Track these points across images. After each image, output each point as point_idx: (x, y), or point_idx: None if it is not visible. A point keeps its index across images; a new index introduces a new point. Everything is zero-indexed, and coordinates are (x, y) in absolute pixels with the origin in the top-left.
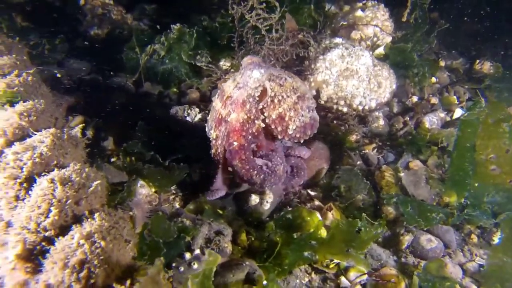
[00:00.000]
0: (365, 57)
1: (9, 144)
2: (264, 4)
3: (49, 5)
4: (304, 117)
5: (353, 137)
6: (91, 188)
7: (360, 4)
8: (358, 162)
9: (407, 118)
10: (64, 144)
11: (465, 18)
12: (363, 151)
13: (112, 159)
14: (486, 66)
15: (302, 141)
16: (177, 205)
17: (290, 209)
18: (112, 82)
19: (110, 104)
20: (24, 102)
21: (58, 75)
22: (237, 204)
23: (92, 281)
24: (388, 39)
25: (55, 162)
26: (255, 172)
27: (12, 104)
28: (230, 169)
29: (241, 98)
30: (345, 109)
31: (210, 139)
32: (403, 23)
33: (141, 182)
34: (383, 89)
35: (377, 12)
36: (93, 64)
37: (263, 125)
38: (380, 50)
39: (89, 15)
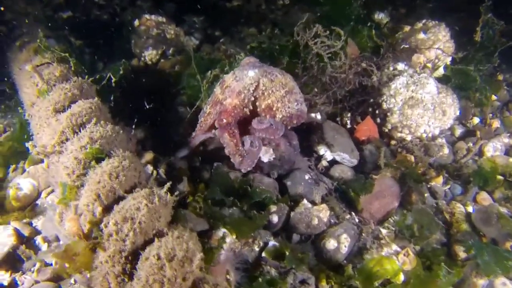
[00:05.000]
0: (430, 84)
1: (106, 210)
2: (328, 32)
3: (104, 24)
4: (290, 109)
5: (421, 170)
6: (195, 263)
7: (420, 25)
8: (426, 195)
9: (470, 144)
10: (157, 207)
11: None
12: (430, 184)
13: (188, 200)
14: None
15: (289, 128)
16: (256, 248)
17: (370, 258)
18: (173, 113)
19: (176, 137)
20: (109, 158)
21: None
22: (314, 247)
23: None
24: (448, 58)
25: (153, 231)
26: (238, 148)
27: (98, 160)
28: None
29: (237, 88)
30: (409, 137)
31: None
32: (464, 42)
33: (223, 230)
34: (447, 116)
35: (439, 34)
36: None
37: (248, 112)
38: (440, 71)
39: (144, 36)
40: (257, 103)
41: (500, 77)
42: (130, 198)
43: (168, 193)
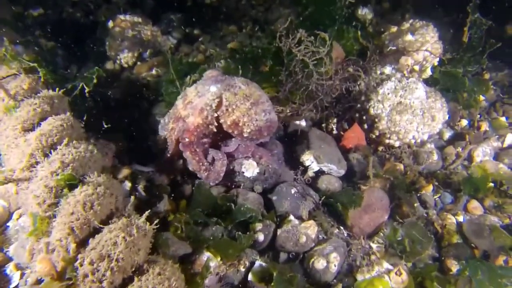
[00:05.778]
0: (419, 90)
1: (81, 244)
2: (312, 37)
3: (78, 23)
4: (258, 121)
5: (410, 179)
6: None
7: (407, 25)
8: (415, 204)
9: (459, 149)
10: (135, 239)
11: None
12: (419, 193)
13: (169, 218)
14: None
15: (260, 140)
16: (242, 268)
17: (361, 279)
18: (151, 123)
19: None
20: (82, 184)
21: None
22: (303, 267)
23: None
24: (436, 59)
25: (132, 268)
26: (201, 164)
27: (71, 187)
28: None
29: (199, 105)
30: (397, 144)
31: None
32: (451, 39)
33: (208, 254)
34: (436, 122)
35: (427, 35)
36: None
37: (215, 130)
38: (428, 72)
39: (119, 38)
40: (221, 121)
41: (487, 76)
42: (106, 230)
43: (147, 222)
